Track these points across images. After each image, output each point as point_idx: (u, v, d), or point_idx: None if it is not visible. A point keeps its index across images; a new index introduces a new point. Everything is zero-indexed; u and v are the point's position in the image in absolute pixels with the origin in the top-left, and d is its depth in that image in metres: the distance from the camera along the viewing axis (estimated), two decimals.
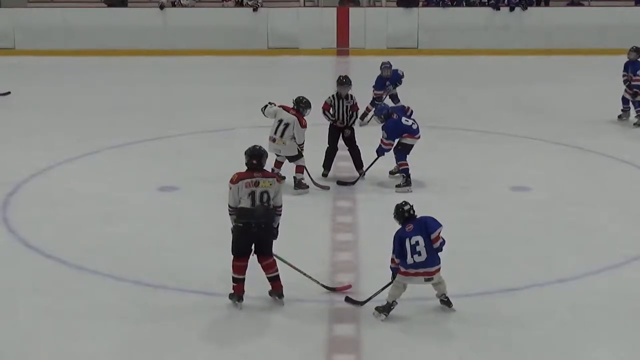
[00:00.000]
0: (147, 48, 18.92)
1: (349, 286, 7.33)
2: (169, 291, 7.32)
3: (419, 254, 6.66)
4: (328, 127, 10.29)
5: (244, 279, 6.98)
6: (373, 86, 12.74)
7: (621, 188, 10.09)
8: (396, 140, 9.75)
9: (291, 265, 7.22)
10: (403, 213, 6.84)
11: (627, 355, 6.45)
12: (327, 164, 10.24)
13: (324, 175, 10.19)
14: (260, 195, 6.86)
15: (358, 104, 10.37)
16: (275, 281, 7.03)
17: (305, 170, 9.76)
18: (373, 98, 12.69)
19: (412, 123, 9.75)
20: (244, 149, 7.10)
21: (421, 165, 9.96)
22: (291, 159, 9.67)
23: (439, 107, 14.03)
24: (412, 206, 6.88)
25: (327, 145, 10.24)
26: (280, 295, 7.03)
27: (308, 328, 6.69)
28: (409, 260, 6.68)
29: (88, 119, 13.30)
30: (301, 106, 9.67)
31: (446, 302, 6.89)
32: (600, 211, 9.29)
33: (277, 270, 7.02)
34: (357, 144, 10.23)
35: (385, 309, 6.79)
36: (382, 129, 9.78)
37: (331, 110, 10.19)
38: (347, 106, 10.18)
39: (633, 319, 6.90)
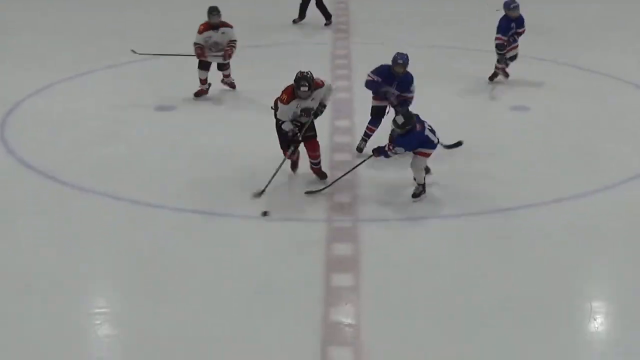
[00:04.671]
0: None
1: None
2: (167, 211, 7.37)
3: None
4: None
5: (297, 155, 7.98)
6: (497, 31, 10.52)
7: (623, 110, 9.97)
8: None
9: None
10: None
11: (624, 271, 6.55)
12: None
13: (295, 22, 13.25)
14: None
15: None
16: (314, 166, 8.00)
17: None
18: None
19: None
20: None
21: (421, 87, 9.58)
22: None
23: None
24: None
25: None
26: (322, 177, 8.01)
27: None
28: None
29: (86, 38, 13.11)
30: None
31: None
32: (601, 133, 9.26)
33: (317, 158, 7.93)
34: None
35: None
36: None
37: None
38: None
39: (630, 237, 6.99)
